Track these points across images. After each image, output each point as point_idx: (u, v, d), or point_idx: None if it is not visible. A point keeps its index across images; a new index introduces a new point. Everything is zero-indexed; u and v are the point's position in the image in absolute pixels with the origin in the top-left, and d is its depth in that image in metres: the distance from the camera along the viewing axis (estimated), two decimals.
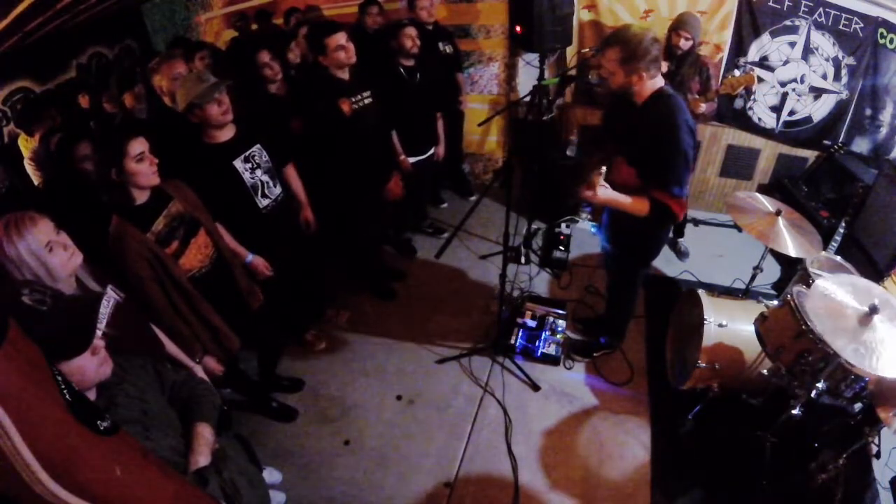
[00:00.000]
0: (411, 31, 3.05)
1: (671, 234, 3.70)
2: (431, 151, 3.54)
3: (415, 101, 3.18)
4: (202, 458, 1.31)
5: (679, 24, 3.02)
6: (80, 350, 1.10)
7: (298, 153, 2.66)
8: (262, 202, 2.36)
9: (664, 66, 2.94)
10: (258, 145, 2.34)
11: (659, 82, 2.06)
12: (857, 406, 2.19)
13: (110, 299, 1.55)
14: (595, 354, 2.97)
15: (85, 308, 1.16)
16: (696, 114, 2.98)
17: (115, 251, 1.71)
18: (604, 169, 2.05)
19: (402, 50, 3.07)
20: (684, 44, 3.00)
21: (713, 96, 3.04)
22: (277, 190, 2.45)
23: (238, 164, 2.26)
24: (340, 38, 2.58)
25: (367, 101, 2.81)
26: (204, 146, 2.22)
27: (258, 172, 2.33)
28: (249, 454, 1.62)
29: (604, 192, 2.08)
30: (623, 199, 2.11)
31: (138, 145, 1.73)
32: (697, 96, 3.02)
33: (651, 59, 1.97)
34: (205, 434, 1.37)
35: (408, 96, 3.12)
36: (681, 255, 3.74)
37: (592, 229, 3.99)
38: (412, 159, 3.33)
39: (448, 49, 3.75)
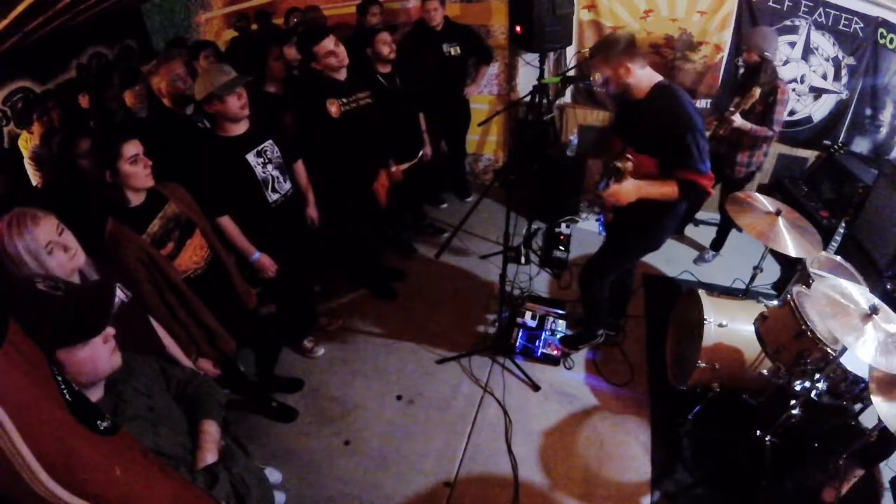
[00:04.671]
0: (385, 36, 3.00)
1: (711, 247, 3.70)
2: (420, 154, 3.53)
3: (396, 107, 3.11)
4: (210, 455, 1.32)
5: (743, 41, 3.08)
6: (96, 331, 1.10)
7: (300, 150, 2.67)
8: (272, 196, 2.39)
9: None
10: (270, 140, 2.37)
11: (655, 76, 2.13)
12: (857, 406, 2.19)
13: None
14: (580, 347, 2.99)
15: (101, 290, 1.17)
16: (728, 125, 2.95)
17: (111, 253, 1.71)
18: (629, 158, 2.11)
19: (380, 57, 3.02)
20: (748, 57, 2.99)
21: (755, 107, 2.90)
22: (287, 185, 2.48)
23: (251, 157, 2.29)
24: (328, 43, 2.58)
25: (363, 102, 2.79)
26: (217, 139, 2.25)
27: (269, 167, 2.36)
28: (246, 455, 1.62)
29: (633, 183, 2.14)
30: (652, 188, 2.15)
31: (132, 147, 1.73)
32: (732, 110, 2.92)
33: (626, 47, 2.07)
34: (211, 431, 1.38)
35: (387, 103, 3.03)
36: (701, 259, 3.71)
37: (600, 229, 3.98)
38: (403, 166, 3.28)
39: (454, 51, 3.73)
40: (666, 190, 2.15)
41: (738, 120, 2.93)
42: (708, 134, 2.20)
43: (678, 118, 2.05)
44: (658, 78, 2.14)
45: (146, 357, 1.45)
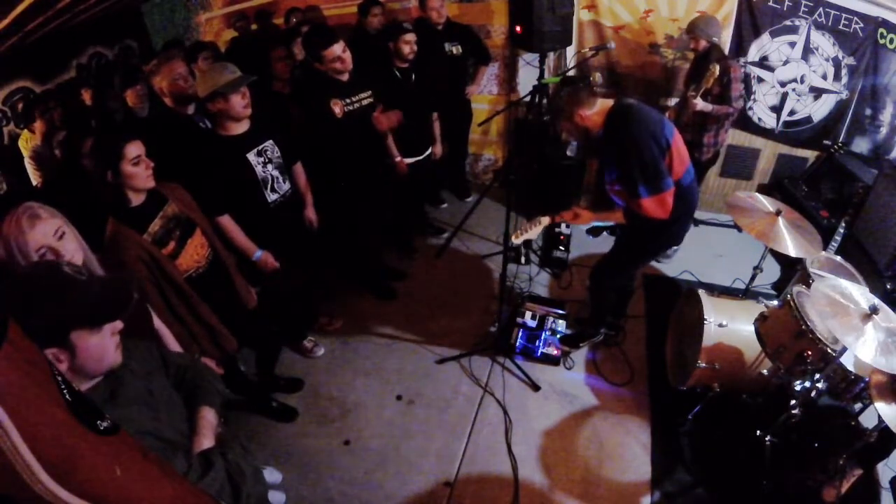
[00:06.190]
0: (411, 37, 3.07)
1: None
2: (428, 152, 3.54)
3: (409, 102, 3.17)
4: (206, 441, 1.33)
5: (688, 30, 3.28)
6: (114, 316, 1.14)
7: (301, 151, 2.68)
8: (271, 196, 2.40)
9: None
10: (271, 140, 2.37)
11: (606, 104, 2.21)
12: (858, 406, 2.19)
13: None
14: (581, 344, 3.01)
15: (122, 280, 1.22)
16: (691, 109, 3.08)
17: (112, 253, 1.71)
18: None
19: (399, 54, 3.09)
20: (696, 45, 3.19)
21: (713, 88, 3.03)
22: (286, 186, 2.48)
23: (251, 156, 2.30)
24: (337, 49, 2.61)
25: (365, 102, 2.81)
26: (218, 138, 2.25)
27: (269, 167, 2.37)
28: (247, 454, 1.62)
29: (587, 215, 2.41)
30: (602, 215, 2.41)
31: (135, 148, 1.74)
32: (693, 94, 3.05)
33: (569, 98, 2.19)
34: (209, 417, 1.39)
35: (402, 98, 3.10)
36: (664, 255, 3.69)
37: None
38: (409, 160, 3.33)
39: (455, 50, 3.74)
40: (613, 216, 2.35)
41: (700, 103, 3.04)
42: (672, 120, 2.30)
43: (620, 142, 2.15)
44: (609, 104, 2.21)
45: (147, 343, 1.46)
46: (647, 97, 3.86)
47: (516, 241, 2.49)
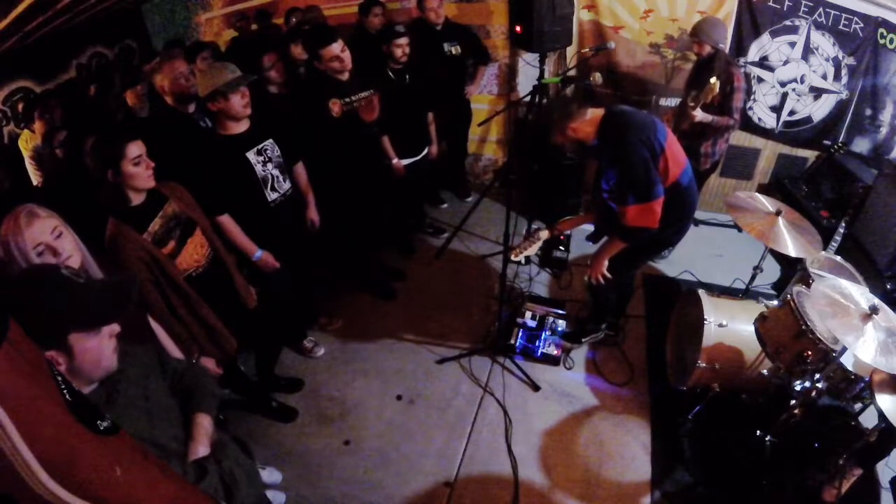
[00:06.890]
0: (403, 41, 3.06)
1: None
2: (425, 152, 3.54)
3: (404, 102, 3.15)
4: (202, 448, 1.33)
5: (692, 33, 3.10)
6: (113, 318, 1.14)
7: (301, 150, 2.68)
8: (271, 195, 2.40)
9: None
10: (271, 140, 2.38)
11: (597, 114, 2.19)
12: (858, 406, 2.19)
13: None
14: (583, 340, 3.02)
15: (122, 282, 1.22)
16: (690, 120, 2.97)
17: (112, 253, 1.71)
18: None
19: (392, 57, 3.09)
20: (700, 49, 3.05)
21: (713, 99, 2.88)
22: (287, 185, 2.48)
23: (251, 155, 2.30)
24: (335, 48, 2.61)
25: (364, 103, 2.80)
26: (218, 137, 2.26)
27: (269, 166, 2.37)
28: (247, 453, 1.62)
29: (595, 256, 2.44)
30: (608, 247, 2.40)
31: (136, 148, 1.74)
32: (693, 105, 2.94)
33: (561, 113, 2.20)
34: (204, 424, 1.39)
35: (396, 98, 3.07)
36: (660, 256, 3.67)
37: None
38: (405, 161, 3.33)
39: (455, 50, 3.73)
40: (616, 244, 2.33)
41: (699, 114, 2.93)
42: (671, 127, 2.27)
43: (613, 150, 2.14)
44: (600, 113, 2.19)
45: (144, 346, 1.46)
46: (647, 97, 3.86)
47: (515, 258, 2.50)
